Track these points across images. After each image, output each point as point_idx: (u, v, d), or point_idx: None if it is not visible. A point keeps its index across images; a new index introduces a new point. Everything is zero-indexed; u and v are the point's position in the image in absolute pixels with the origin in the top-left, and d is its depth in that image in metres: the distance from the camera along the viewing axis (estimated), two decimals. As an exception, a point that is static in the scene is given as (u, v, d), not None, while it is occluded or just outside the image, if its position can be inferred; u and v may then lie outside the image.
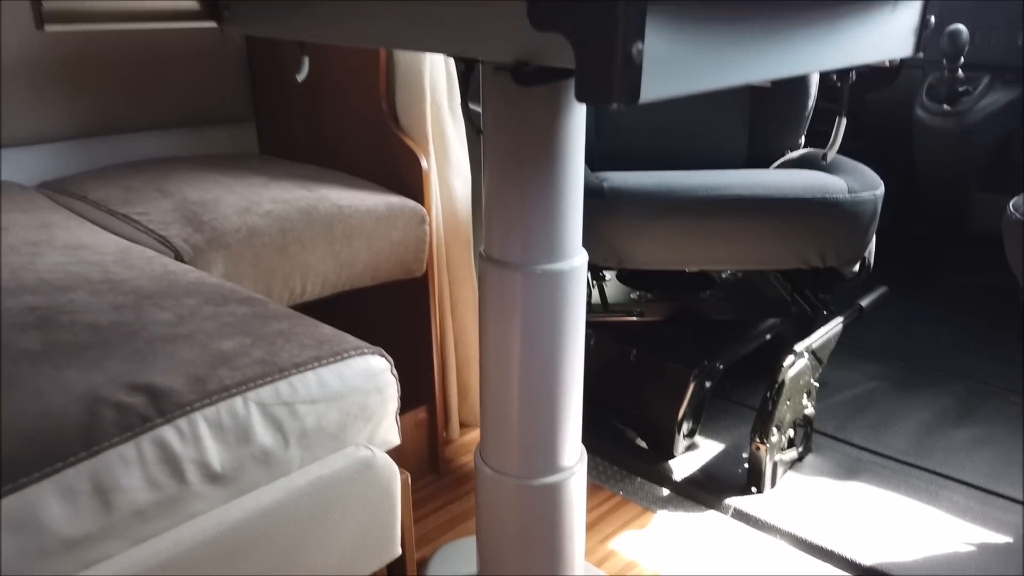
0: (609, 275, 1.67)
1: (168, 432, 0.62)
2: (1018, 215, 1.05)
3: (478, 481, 1.01)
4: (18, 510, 0.55)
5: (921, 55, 0.75)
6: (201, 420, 0.63)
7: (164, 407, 0.63)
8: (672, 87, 0.48)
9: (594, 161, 1.58)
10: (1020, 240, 1.06)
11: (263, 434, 0.66)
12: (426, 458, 1.45)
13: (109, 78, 1.40)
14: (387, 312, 1.41)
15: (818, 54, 0.61)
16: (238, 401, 0.66)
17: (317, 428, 0.70)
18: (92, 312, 0.79)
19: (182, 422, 0.62)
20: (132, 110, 1.44)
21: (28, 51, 1.30)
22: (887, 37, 0.70)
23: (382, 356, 0.77)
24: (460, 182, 1.39)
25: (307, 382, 0.70)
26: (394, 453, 0.82)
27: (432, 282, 1.34)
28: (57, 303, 0.81)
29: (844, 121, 0.82)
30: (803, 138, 1.66)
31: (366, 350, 0.75)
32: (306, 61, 1.07)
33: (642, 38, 0.45)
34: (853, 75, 0.76)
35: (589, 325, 1.60)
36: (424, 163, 1.28)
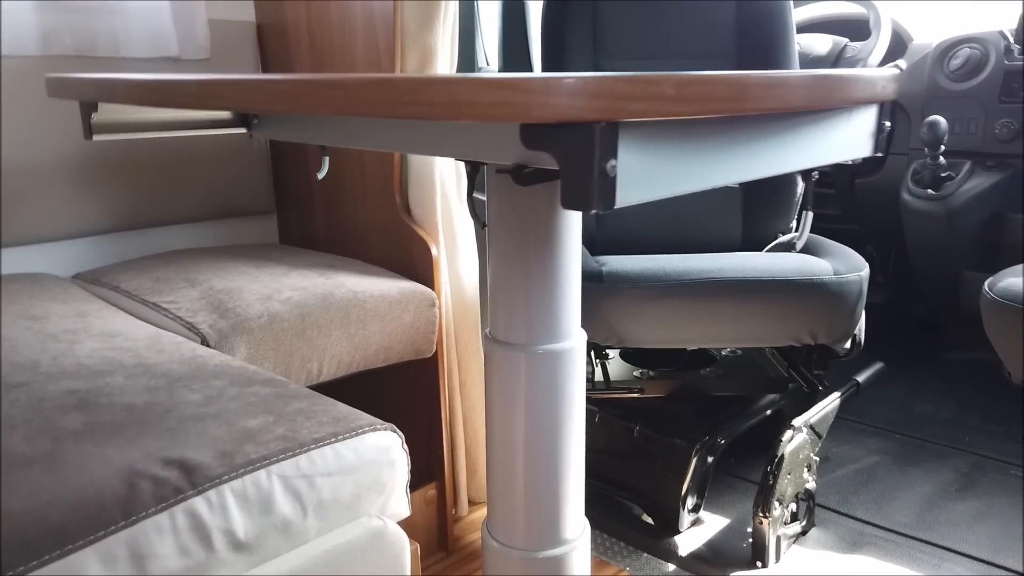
0: (613, 354, 1.73)
1: (199, 503, 0.68)
2: (992, 294, 1.12)
3: (485, 554, 1.05)
4: (63, 574, 0.60)
5: (881, 154, 0.83)
6: (228, 492, 0.69)
7: (196, 480, 0.69)
8: (644, 195, 0.56)
9: (596, 247, 1.67)
10: (994, 317, 1.12)
11: (284, 505, 0.72)
12: (435, 535, 1.48)
13: (145, 178, 1.51)
14: (399, 392, 1.47)
15: (779, 159, 0.69)
16: (262, 474, 0.72)
17: (333, 499, 0.75)
18: (128, 394, 0.86)
19: (211, 494, 0.68)
20: (164, 206, 1.55)
21: (74, 155, 1.42)
22: (845, 140, 0.78)
23: (394, 432, 0.83)
24: (468, 268, 1.48)
25: (325, 456, 0.76)
26: (404, 528, 0.86)
27: (442, 362, 1.41)
28: (95, 386, 0.88)
29: (811, 215, 0.90)
30: (794, 222, 1.75)
31: (379, 426, 0.82)
32: (326, 161, 1.17)
33: (615, 156, 0.53)
34: (816, 174, 0.84)
35: (594, 403, 1.66)
36: (434, 251, 1.37)
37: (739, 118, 0.63)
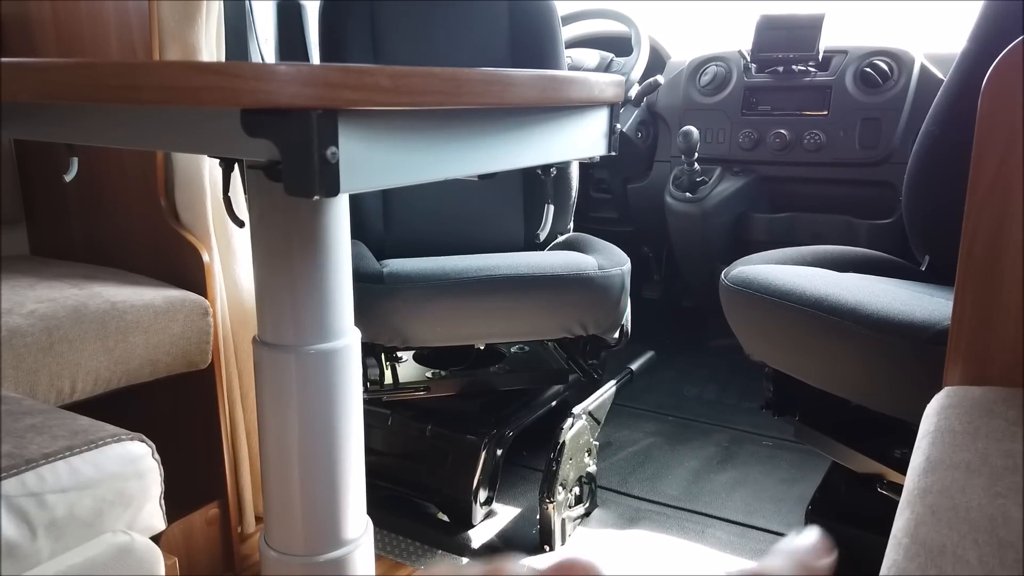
0: (406, 356, 1.74)
1: None
2: (726, 281, 1.26)
3: (263, 567, 1.02)
4: None
5: (615, 154, 0.91)
6: (-66, 519, 0.62)
7: None
8: (370, 182, 0.58)
9: (384, 251, 1.68)
10: (728, 302, 1.27)
11: (8, 527, 0.66)
12: (220, 556, 1.41)
13: None
14: (174, 407, 1.39)
15: (510, 154, 0.74)
16: (-22, 496, 0.65)
17: (68, 517, 0.70)
18: None
19: (-88, 522, 0.61)
20: None
21: None
22: (579, 139, 0.85)
23: (142, 441, 0.79)
24: (247, 274, 1.43)
25: (57, 472, 0.70)
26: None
27: (219, 374, 1.35)
28: None
29: (552, 207, 0.97)
30: (572, 222, 1.86)
31: (123, 437, 0.77)
32: (75, 162, 1.08)
33: (336, 143, 0.54)
34: (554, 170, 0.91)
35: (387, 406, 1.66)
36: (206, 257, 1.31)
37: (468, 112, 0.67)
